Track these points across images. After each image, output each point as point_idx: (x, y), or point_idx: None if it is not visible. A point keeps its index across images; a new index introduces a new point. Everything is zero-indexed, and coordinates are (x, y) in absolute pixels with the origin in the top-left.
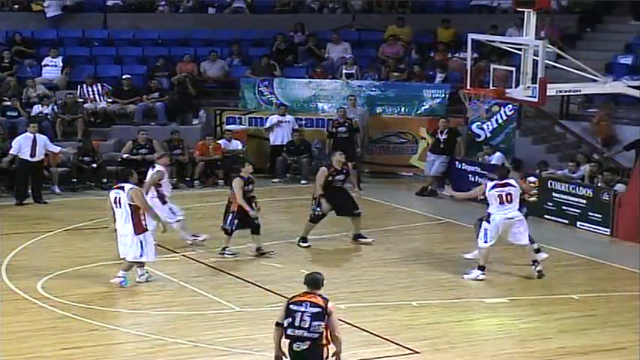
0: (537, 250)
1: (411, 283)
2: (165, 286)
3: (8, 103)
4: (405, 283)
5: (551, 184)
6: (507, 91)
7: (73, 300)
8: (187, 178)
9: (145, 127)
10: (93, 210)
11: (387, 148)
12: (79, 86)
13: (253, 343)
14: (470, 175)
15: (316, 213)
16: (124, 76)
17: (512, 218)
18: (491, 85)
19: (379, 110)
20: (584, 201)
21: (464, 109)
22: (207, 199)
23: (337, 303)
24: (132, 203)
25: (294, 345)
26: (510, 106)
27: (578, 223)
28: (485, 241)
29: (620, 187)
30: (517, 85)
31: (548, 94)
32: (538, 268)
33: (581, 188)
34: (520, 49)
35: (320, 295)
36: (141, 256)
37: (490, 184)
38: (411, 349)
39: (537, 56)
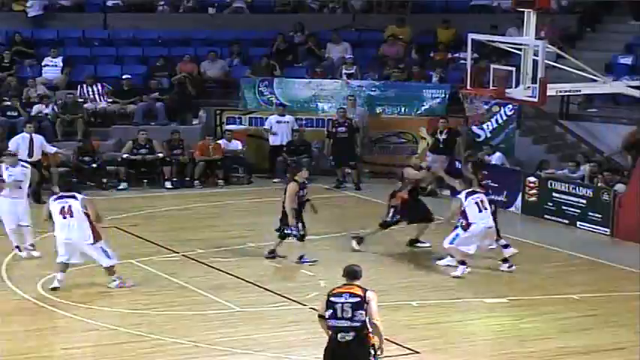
0: (505, 246)
1: (411, 283)
2: (166, 286)
3: (8, 103)
4: (405, 283)
5: (551, 184)
6: (507, 91)
7: (73, 300)
8: (187, 178)
9: (145, 127)
10: None
11: (387, 148)
12: (79, 86)
13: (253, 343)
14: None
15: (387, 220)
16: (123, 76)
17: (490, 227)
18: (491, 85)
19: (379, 110)
20: (584, 201)
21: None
22: (208, 199)
23: None
24: (86, 212)
25: (339, 336)
26: (510, 106)
27: (578, 223)
28: (451, 243)
29: (620, 187)
30: (517, 85)
31: (548, 94)
32: (509, 264)
33: (581, 188)
34: (520, 49)
35: (358, 286)
36: (110, 258)
37: (462, 195)
38: (411, 349)
39: (537, 56)
